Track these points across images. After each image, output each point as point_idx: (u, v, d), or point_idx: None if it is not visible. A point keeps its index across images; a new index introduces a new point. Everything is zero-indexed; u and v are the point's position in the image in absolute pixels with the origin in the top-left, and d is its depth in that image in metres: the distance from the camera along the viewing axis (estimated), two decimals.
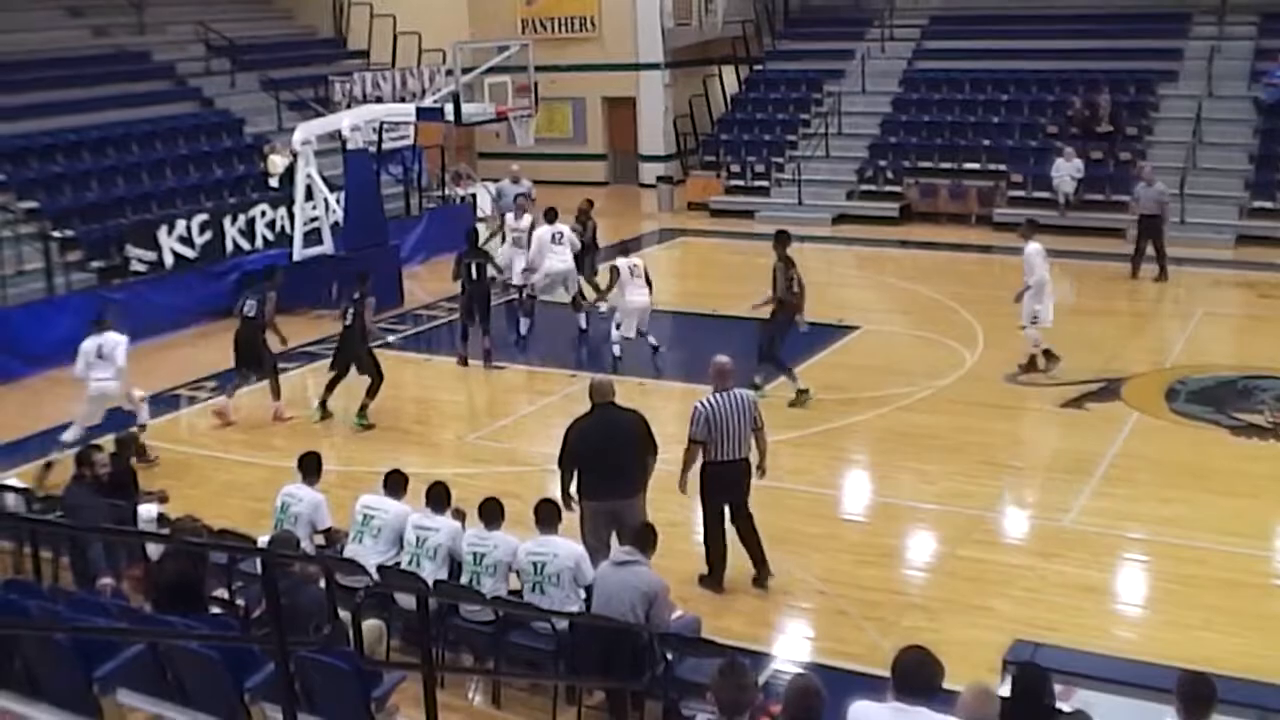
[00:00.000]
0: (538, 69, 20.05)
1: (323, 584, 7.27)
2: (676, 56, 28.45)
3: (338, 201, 18.72)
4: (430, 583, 7.98)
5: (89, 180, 18.92)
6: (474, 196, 22.71)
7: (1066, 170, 21.86)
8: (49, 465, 11.78)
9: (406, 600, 7.92)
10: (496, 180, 21.67)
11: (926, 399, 13.71)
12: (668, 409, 12.64)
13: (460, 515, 8.73)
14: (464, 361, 15.53)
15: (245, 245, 18.91)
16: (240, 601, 8.25)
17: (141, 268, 17.70)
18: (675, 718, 7.25)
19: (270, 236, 19.22)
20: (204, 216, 18.55)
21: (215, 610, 7.85)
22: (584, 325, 16.64)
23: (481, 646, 8.26)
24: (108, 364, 12.10)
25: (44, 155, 18.90)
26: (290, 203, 18.82)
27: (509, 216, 18.07)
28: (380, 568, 8.37)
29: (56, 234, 17.34)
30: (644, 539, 7.83)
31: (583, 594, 7.91)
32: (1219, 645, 8.26)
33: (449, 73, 19.21)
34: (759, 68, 27.86)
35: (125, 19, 22.54)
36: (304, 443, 11.32)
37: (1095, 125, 22.80)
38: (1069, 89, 23.82)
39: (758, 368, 13.52)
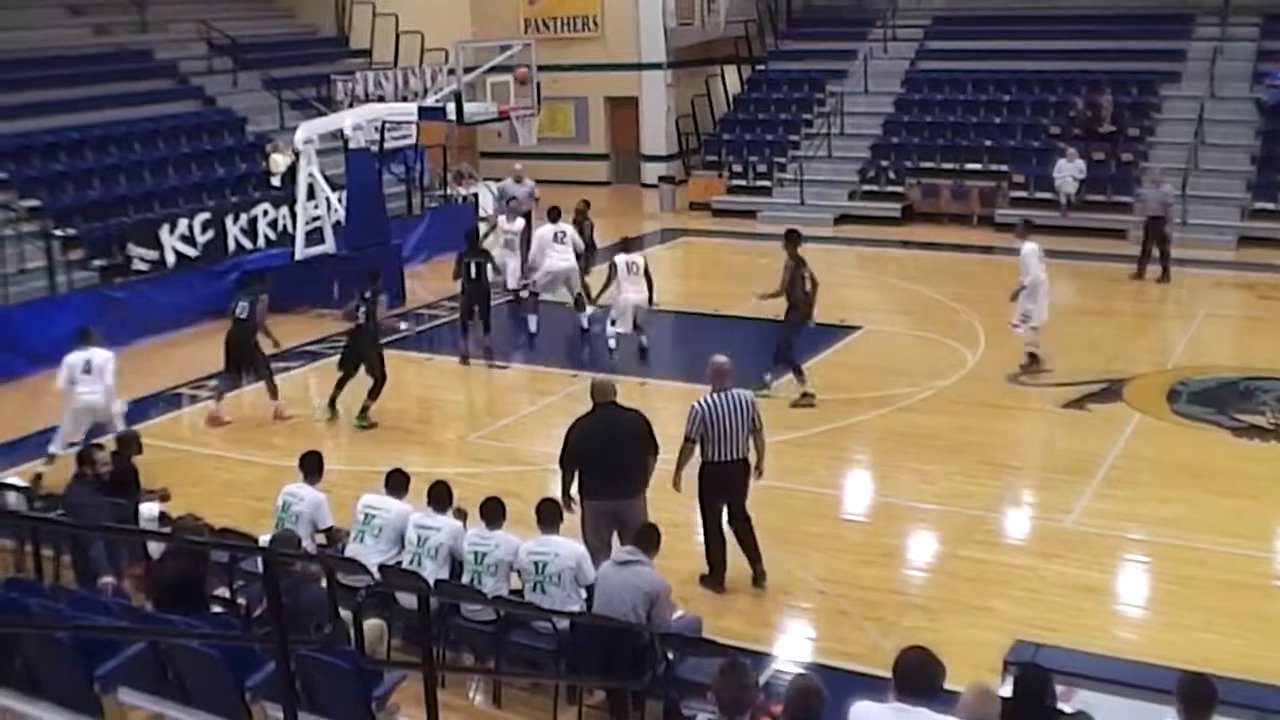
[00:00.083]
0: (540, 68, 20.05)
1: (324, 583, 7.26)
2: (679, 56, 28.43)
3: (340, 200, 18.72)
4: (431, 582, 7.98)
5: (91, 179, 18.93)
6: (476, 196, 22.73)
7: (1069, 171, 21.84)
8: (39, 478, 11.71)
9: (408, 599, 7.92)
10: (499, 180, 21.70)
11: (928, 399, 13.72)
12: (668, 409, 12.60)
13: (462, 514, 8.74)
14: (466, 360, 15.55)
15: (247, 244, 18.93)
16: (241, 600, 8.25)
17: (143, 266, 17.71)
18: (676, 717, 7.24)
19: (272, 235, 19.24)
20: (206, 215, 18.56)
21: (216, 609, 7.85)
22: (585, 325, 16.66)
23: (482, 646, 8.25)
24: (96, 379, 11.98)
25: (46, 154, 18.91)
26: (292, 202, 18.81)
27: (501, 219, 18.09)
28: (381, 567, 8.37)
29: (58, 232, 17.36)
30: (647, 539, 7.83)
31: (584, 594, 7.91)
32: (1219, 646, 8.26)
33: (451, 72, 19.20)
34: (761, 67, 27.84)
35: (127, 17, 22.55)
36: (305, 442, 11.34)
37: (1097, 126, 22.77)
38: (1071, 89, 23.79)
39: (774, 368, 13.53)
